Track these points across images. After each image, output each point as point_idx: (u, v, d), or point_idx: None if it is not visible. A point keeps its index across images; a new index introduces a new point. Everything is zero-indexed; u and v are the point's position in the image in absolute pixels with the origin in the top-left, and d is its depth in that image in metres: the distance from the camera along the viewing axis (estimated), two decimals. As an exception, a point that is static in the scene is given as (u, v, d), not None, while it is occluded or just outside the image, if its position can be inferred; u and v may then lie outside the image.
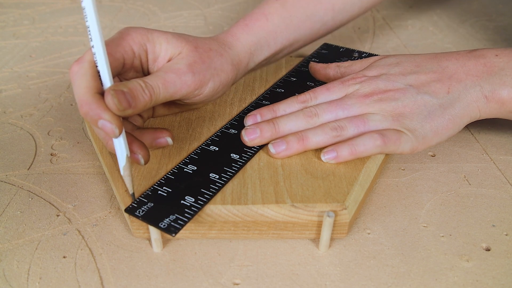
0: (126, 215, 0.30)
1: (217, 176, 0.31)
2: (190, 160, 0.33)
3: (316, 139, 0.33)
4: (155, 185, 0.30)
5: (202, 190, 0.30)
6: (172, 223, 0.27)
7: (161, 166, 0.33)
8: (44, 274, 0.28)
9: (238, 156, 0.33)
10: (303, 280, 0.28)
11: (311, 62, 0.44)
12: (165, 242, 0.31)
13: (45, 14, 0.71)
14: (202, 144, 0.34)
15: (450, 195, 0.35)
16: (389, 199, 0.34)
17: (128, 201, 0.30)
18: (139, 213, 0.28)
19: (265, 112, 0.36)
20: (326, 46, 0.51)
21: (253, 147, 0.34)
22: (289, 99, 0.37)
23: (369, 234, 0.31)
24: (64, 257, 0.30)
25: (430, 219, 0.33)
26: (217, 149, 0.34)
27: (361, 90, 0.35)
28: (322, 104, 0.35)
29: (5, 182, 0.36)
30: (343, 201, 0.29)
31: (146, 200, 0.29)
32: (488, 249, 0.30)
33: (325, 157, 0.33)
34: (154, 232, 0.29)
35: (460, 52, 0.36)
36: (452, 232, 0.31)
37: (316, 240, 0.31)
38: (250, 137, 0.34)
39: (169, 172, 0.32)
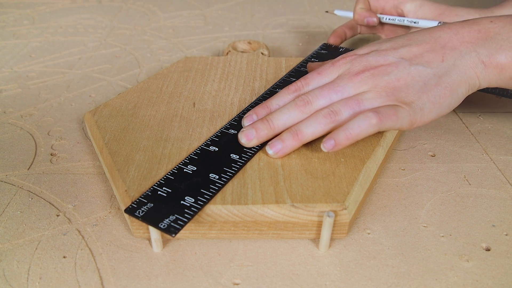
0: (126, 215, 0.30)
1: (217, 177, 0.31)
2: (189, 160, 0.33)
3: (311, 130, 0.32)
4: (154, 185, 0.30)
5: (202, 190, 0.30)
6: (172, 224, 0.27)
7: (161, 166, 0.33)
8: (44, 274, 0.28)
9: (238, 157, 0.33)
10: (303, 280, 0.28)
11: (309, 62, 0.44)
12: (165, 242, 0.31)
13: (45, 14, 0.71)
14: (201, 145, 0.34)
15: (450, 195, 0.35)
16: (389, 199, 0.34)
17: (128, 201, 0.30)
18: (138, 214, 0.28)
19: (260, 110, 0.36)
20: (325, 46, 0.51)
21: (253, 147, 0.34)
22: (281, 91, 0.36)
23: (369, 234, 0.31)
24: (64, 257, 0.30)
25: (430, 219, 0.33)
26: (217, 149, 0.34)
27: (352, 69, 0.34)
28: (314, 90, 0.34)
29: (5, 182, 0.36)
30: (343, 201, 0.29)
31: (145, 201, 0.29)
32: (488, 249, 0.30)
33: (324, 146, 0.31)
34: (154, 232, 0.29)
35: (453, 22, 0.36)
36: (452, 232, 0.31)
37: (316, 240, 0.31)
38: (246, 138, 0.34)
39: (169, 172, 0.32)
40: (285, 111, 0.34)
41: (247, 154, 0.33)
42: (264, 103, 0.36)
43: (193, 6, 0.76)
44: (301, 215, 0.29)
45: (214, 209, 0.29)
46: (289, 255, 0.30)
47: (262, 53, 0.51)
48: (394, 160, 0.38)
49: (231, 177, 0.31)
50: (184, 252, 0.30)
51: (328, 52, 0.50)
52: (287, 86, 0.36)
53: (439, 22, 0.47)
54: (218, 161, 0.33)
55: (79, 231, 0.32)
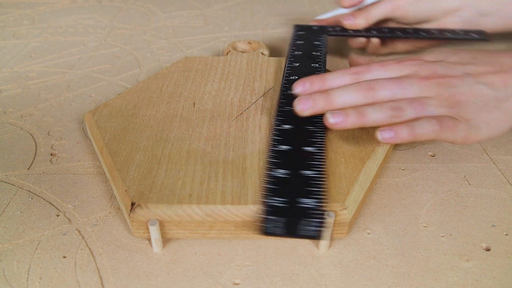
0: (125, 215, 0.30)
1: (311, 173, 0.31)
2: (275, 165, 0.31)
3: (375, 116, 0.33)
4: (264, 199, 0.29)
5: (309, 189, 0.29)
6: (313, 228, 0.27)
7: (161, 166, 0.33)
8: (44, 274, 0.28)
9: (313, 149, 0.32)
10: (303, 280, 0.28)
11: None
12: (165, 242, 0.31)
13: (45, 14, 0.71)
14: (270, 147, 0.33)
15: (450, 195, 0.35)
16: (389, 199, 0.34)
17: (128, 201, 0.30)
18: (279, 231, 0.28)
19: (315, 80, 0.36)
20: (299, 27, 0.52)
21: (318, 133, 0.34)
22: (339, 70, 0.36)
23: (369, 234, 0.31)
24: (64, 257, 0.30)
25: (430, 219, 0.33)
26: (290, 147, 0.33)
27: (420, 72, 0.35)
28: (379, 79, 0.35)
29: (5, 182, 0.36)
30: (343, 201, 0.29)
31: (273, 217, 0.28)
32: (488, 249, 0.30)
33: (382, 135, 0.32)
34: (154, 232, 0.29)
35: None
36: (452, 232, 0.31)
37: (316, 240, 0.31)
38: (302, 106, 0.34)
39: (266, 182, 0.30)
40: (347, 90, 0.34)
41: (318, 144, 0.33)
42: (321, 75, 0.36)
43: (193, 6, 0.75)
44: (301, 215, 0.29)
45: (214, 209, 0.29)
46: (289, 255, 0.30)
47: (262, 53, 0.51)
48: (394, 160, 0.38)
49: (323, 170, 0.31)
50: (184, 252, 0.30)
51: (305, 32, 0.51)
52: (346, 68, 0.36)
53: None
54: (298, 157, 0.32)
55: (79, 231, 0.32)
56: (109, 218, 0.33)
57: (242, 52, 0.52)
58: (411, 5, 0.49)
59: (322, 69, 0.43)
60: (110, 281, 0.28)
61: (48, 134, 0.42)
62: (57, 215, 0.33)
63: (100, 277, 0.28)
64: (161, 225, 0.29)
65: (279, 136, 0.34)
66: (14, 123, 0.44)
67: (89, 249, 0.30)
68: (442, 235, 0.31)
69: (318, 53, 0.46)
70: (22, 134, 0.42)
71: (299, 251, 0.30)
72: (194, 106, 0.40)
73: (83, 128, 0.43)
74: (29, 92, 0.49)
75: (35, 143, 0.41)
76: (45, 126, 0.43)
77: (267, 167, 0.31)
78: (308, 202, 0.28)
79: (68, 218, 0.33)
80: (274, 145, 0.33)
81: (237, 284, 0.28)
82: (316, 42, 0.48)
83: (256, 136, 0.36)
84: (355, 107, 0.33)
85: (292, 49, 0.47)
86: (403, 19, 0.50)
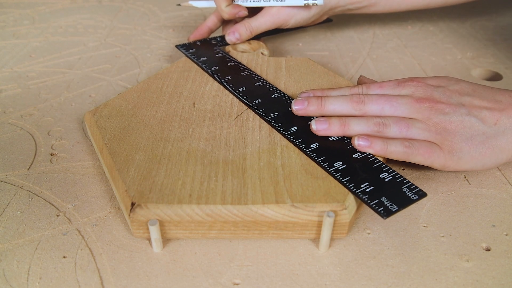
0: (126, 215, 0.30)
1: (358, 155, 0.33)
2: (329, 158, 0.33)
3: (357, 128, 0.34)
4: (355, 191, 0.30)
5: (374, 166, 0.32)
6: (411, 194, 0.30)
7: (161, 166, 0.33)
8: (44, 274, 0.28)
9: (336, 137, 0.35)
10: (303, 280, 0.28)
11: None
12: (165, 242, 0.31)
13: (45, 14, 0.72)
14: (316, 143, 0.34)
15: (450, 195, 0.35)
16: (389, 199, 0.34)
17: (128, 201, 0.30)
18: (392, 208, 0.29)
19: (318, 93, 0.39)
20: (185, 46, 0.52)
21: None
22: (342, 88, 0.39)
23: (369, 234, 0.31)
24: (64, 257, 0.30)
25: (430, 219, 0.33)
26: (335, 138, 0.35)
27: (415, 94, 0.36)
28: (373, 94, 0.36)
29: (5, 182, 0.36)
30: (343, 201, 0.29)
31: (377, 199, 0.29)
32: (488, 249, 0.30)
33: (359, 142, 0.33)
34: (154, 232, 0.29)
35: None
36: (452, 232, 0.31)
37: (316, 240, 0.31)
38: (297, 106, 0.37)
39: (339, 173, 0.31)
40: (339, 100, 0.36)
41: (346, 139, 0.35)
42: (324, 89, 0.39)
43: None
44: (301, 215, 0.29)
45: (214, 209, 0.29)
46: (289, 255, 0.30)
47: (262, 53, 0.51)
48: (395, 160, 0.38)
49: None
50: (184, 252, 0.30)
51: (195, 50, 0.51)
52: (350, 86, 0.39)
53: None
54: (343, 147, 0.34)
55: (79, 231, 0.32)
56: (109, 218, 0.33)
57: (242, 52, 0.52)
58: (290, 20, 0.53)
59: (256, 76, 0.44)
60: (110, 281, 0.28)
61: (48, 134, 0.42)
62: (57, 215, 0.33)
63: (100, 277, 0.28)
64: (161, 225, 0.29)
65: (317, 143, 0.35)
66: (14, 123, 0.44)
67: (89, 249, 0.30)
68: (442, 235, 0.31)
69: (233, 63, 0.48)
70: (22, 134, 0.42)
71: (299, 251, 0.30)
72: (194, 106, 0.40)
73: (83, 128, 0.43)
74: (29, 92, 0.49)
75: (35, 143, 0.41)
76: (45, 126, 0.43)
77: (329, 164, 0.32)
78: (385, 176, 0.31)
79: (68, 218, 0.33)
80: (323, 139, 0.35)
81: (237, 284, 0.28)
82: (218, 55, 0.49)
83: (256, 136, 0.36)
84: (340, 117, 0.35)
85: (205, 66, 0.47)
86: (283, 27, 0.54)
